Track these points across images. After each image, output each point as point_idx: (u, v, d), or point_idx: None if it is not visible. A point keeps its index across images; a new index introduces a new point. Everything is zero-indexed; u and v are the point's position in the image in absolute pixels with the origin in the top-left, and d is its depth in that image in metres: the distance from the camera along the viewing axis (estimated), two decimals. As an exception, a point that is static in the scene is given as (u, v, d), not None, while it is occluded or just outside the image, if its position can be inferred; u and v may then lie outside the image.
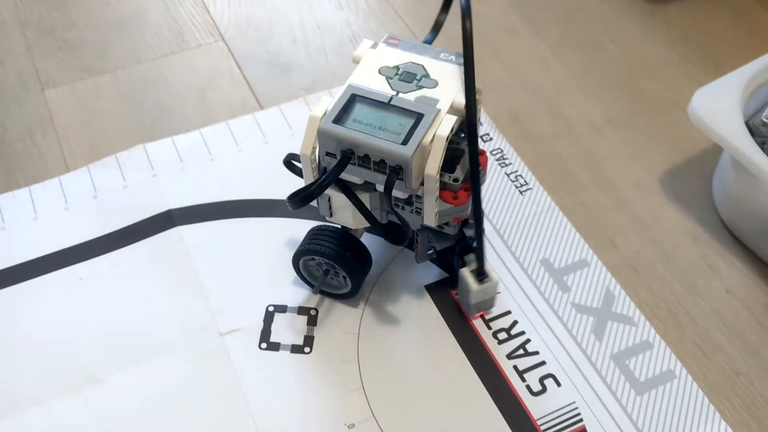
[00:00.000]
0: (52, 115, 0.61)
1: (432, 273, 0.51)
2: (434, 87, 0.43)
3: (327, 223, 0.47)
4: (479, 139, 0.48)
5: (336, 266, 0.47)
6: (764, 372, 0.47)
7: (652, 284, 0.51)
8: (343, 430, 0.44)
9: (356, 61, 0.45)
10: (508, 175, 0.56)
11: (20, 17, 0.69)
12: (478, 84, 0.42)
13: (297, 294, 0.50)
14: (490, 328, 0.48)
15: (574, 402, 0.45)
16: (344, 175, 0.42)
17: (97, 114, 0.61)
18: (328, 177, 0.41)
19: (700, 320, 0.49)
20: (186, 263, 0.51)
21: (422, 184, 0.41)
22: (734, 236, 0.53)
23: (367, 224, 0.43)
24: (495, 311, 0.49)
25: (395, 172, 0.40)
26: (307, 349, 0.47)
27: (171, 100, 0.62)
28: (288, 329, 0.48)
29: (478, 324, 0.48)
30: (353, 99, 0.42)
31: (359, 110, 0.42)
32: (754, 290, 0.50)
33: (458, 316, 0.48)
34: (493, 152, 0.58)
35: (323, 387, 0.46)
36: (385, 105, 0.42)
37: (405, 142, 0.40)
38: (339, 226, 0.48)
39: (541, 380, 0.46)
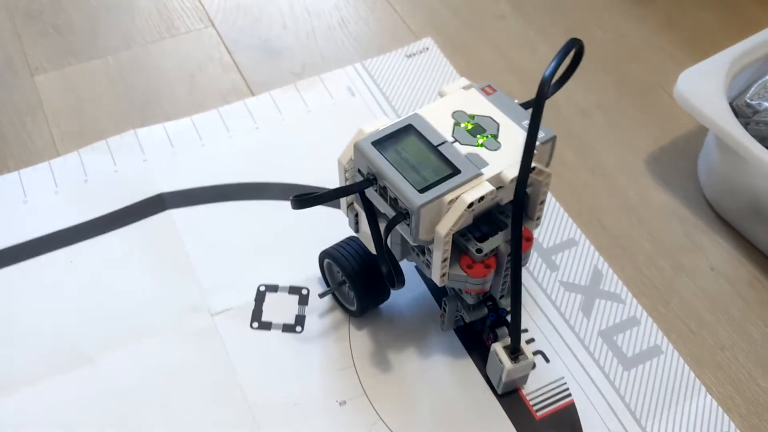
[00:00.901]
0: (42, 100, 0.61)
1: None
2: (495, 150, 0.40)
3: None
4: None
5: (348, 282, 0.46)
6: (748, 346, 0.47)
7: (638, 263, 0.51)
8: (335, 406, 0.44)
9: (441, 95, 0.43)
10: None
11: (8, 3, 0.68)
12: (555, 165, 0.41)
13: (288, 274, 0.50)
14: (479, 305, 0.49)
15: (563, 378, 0.46)
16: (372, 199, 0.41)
17: (86, 99, 0.61)
18: (337, 191, 0.40)
19: (686, 297, 0.50)
20: (177, 246, 0.51)
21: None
22: (718, 215, 0.54)
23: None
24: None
25: (404, 215, 0.38)
26: (298, 329, 0.47)
27: (161, 85, 0.62)
28: (279, 309, 0.48)
29: (467, 302, 0.49)
30: (407, 129, 0.41)
31: (407, 143, 0.40)
32: (738, 267, 0.51)
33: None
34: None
35: (315, 365, 0.46)
36: (433, 148, 0.40)
37: (423, 191, 0.38)
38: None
39: (532, 355, 0.47)
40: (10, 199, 0.54)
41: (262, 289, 0.49)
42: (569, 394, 0.45)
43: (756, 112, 0.51)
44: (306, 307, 0.48)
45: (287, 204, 0.53)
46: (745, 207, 0.51)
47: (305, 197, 0.39)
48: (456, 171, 0.39)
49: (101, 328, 0.47)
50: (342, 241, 0.46)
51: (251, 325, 0.47)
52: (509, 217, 0.40)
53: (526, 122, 0.41)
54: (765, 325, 0.48)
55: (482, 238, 0.40)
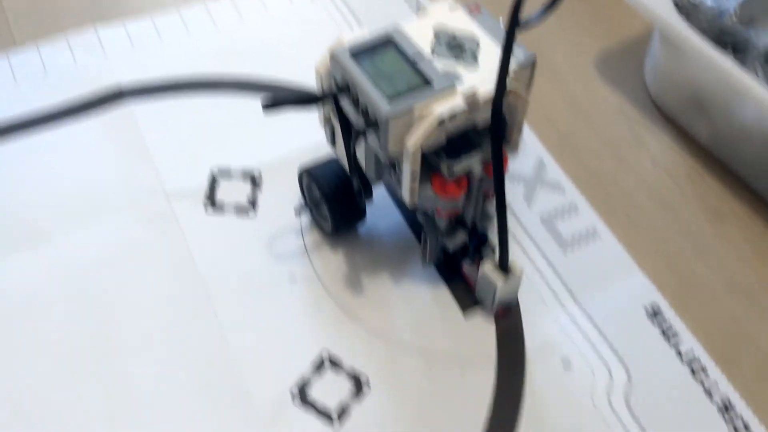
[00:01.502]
0: (1, -3, 0.61)
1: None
2: (472, 68, 0.39)
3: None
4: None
5: (322, 202, 0.46)
6: (682, 230, 0.49)
7: (583, 156, 0.53)
8: (286, 284, 0.46)
9: (424, 10, 0.43)
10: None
11: None
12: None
13: (242, 159, 0.51)
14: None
15: (504, 257, 0.48)
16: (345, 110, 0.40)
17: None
18: (307, 97, 0.39)
19: (626, 187, 0.51)
20: (135, 135, 0.52)
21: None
22: (662, 112, 0.55)
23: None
24: (432, 178, 0.51)
25: (373, 124, 0.38)
26: (251, 211, 0.49)
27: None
28: (233, 191, 0.49)
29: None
30: (386, 42, 0.40)
31: (384, 55, 0.40)
32: (677, 160, 0.53)
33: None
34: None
35: (267, 246, 0.47)
36: (410, 62, 0.39)
37: (392, 100, 0.37)
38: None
39: (474, 239, 0.49)
40: (-32, 90, 0.55)
41: (216, 172, 0.50)
42: (509, 272, 0.47)
43: (697, 9, 0.52)
44: (258, 190, 0.50)
45: (242, 98, 0.55)
46: (686, 101, 0.53)
47: (275, 101, 0.38)
48: (428, 83, 0.38)
49: (60, 209, 0.48)
50: (320, 162, 0.46)
51: (205, 208, 0.49)
52: (484, 139, 0.39)
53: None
54: (700, 212, 0.50)
55: (455, 159, 0.40)
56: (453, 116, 0.37)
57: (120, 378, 0.42)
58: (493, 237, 0.43)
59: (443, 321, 0.45)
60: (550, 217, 0.50)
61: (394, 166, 0.40)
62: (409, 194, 0.40)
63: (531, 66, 0.40)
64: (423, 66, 0.39)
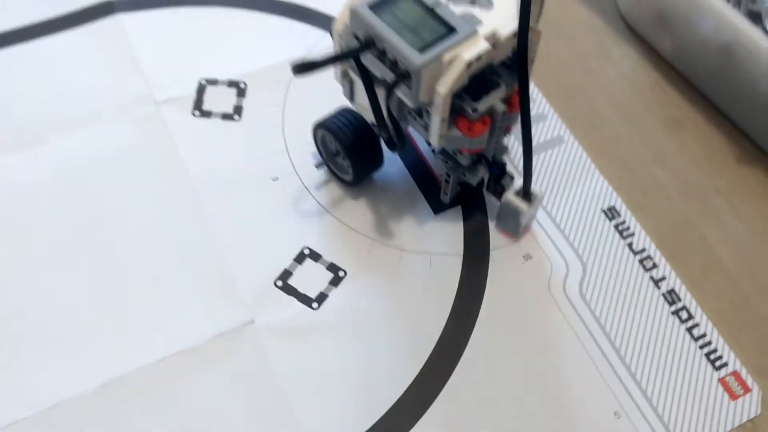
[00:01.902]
0: None
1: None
2: (488, 9, 0.40)
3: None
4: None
5: (343, 153, 0.47)
6: (642, 136, 0.52)
7: (553, 68, 0.55)
8: (268, 182, 0.49)
9: None
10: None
11: None
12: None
13: (229, 69, 0.53)
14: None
15: (474, 161, 0.51)
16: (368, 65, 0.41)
17: None
18: (337, 56, 0.40)
19: (592, 97, 0.54)
20: (125, 45, 0.54)
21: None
22: (630, 27, 0.58)
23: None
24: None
25: (404, 76, 0.39)
26: (236, 117, 0.52)
27: None
28: (219, 99, 0.52)
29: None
30: None
31: (403, 5, 0.40)
32: (641, 73, 0.56)
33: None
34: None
35: (251, 148, 0.50)
36: (429, 9, 0.40)
37: (422, 51, 0.38)
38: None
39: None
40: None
41: (203, 82, 0.53)
42: (478, 175, 0.50)
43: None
44: (243, 98, 0.52)
45: (229, 10, 0.57)
46: (652, 16, 0.55)
47: (305, 64, 0.39)
48: (453, 30, 0.39)
49: (53, 114, 0.51)
50: (333, 113, 0.47)
51: (192, 113, 0.51)
52: (501, 77, 0.41)
53: None
54: (660, 121, 0.53)
55: (476, 98, 0.41)
56: (479, 58, 0.39)
57: (112, 264, 0.45)
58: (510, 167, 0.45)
59: (416, 219, 0.48)
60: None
61: (420, 113, 0.42)
62: (437, 138, 0.42)
63: (540, 0, 0.41)
64: (443, 13, 0.40)
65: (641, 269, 0.47)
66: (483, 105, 0.41)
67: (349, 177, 0.49)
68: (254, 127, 0.51)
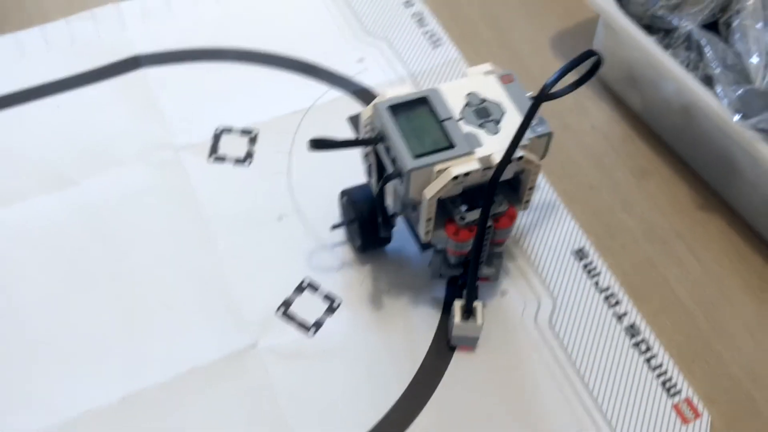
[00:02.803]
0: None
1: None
2: (493, 134, 0.44)
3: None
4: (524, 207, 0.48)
5: (355, 221, 0.50)
6: (612, 184, 0.57)
7: (533, 122, 0.61)
8: (274, 221, 0.54)
9: (465, 76, 0.47)
10: (425, 34, 0.66)
11: None
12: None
13: (242, 118, 0.59)
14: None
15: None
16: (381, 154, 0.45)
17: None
18: (351, 142, 0.45)
19: (567, 148, 0.59)
20: (148, 96, 0.60)
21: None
22: (604, 85, 0.63)
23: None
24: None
25: (399, 174, 0.43)
26: (247, 162, 0.57)
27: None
28: (233, 145, 0.58)
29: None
30: (421, 101, 0.45)
31: (418, 112, 0.44)
32: (614, 126, 0.61)
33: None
34: None
35: (259, 190, 0.56)
36: (438, 122, 0.44)
37: (417, 157, 0.42)
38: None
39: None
40: (8, 55, 0.63)
41: (219, 129, 0.59)
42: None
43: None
44: (254, 145, 0.58)
45: (243, 65, 0.63)
46: (623, 76, 0.61)
47: (321, 141, 0.43)
48: (451, 146, 0.43)
49: (82, 158, 0.57)
50: (363, 185, 0.51)
51: (208, 158, 0.57)
52: (498, 195, 0.45)
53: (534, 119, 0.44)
54: (629, 170, 0.58)
55: (470, 208, 0.45)
56: (467, 174, 0.42)
57: (132, 291, 0.51)
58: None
59: (406, 261, 0.53)
60: (501, 173, 0.58)
61: (414, 207, 0.46)
62: (424, 234, 0.45)
63: (546, 137, 0.45)
64: (449, 128, 0.44)
65: (606, 305, 0.52)
66: (471, 216, 0.45)
67: (357, 245, 0.52)
68: (263, 171, 0.57)
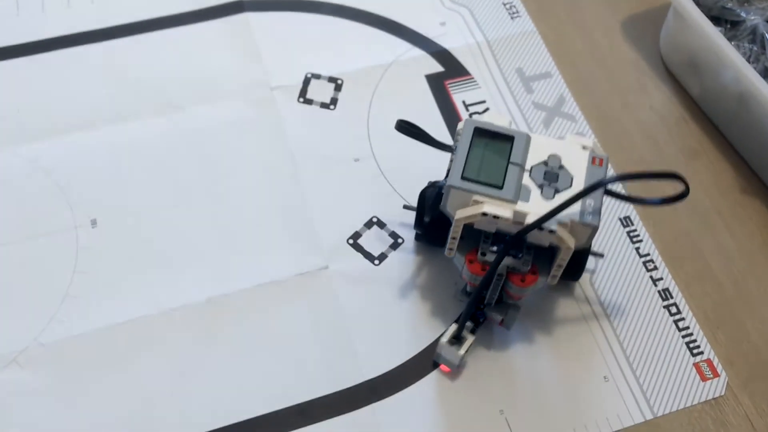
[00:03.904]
0: None
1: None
2: (546, 198, 0.44)
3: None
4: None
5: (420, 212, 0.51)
6: (662, 160, 0.61)
7: (595, 96, 0.64)
8: (351, 162, 0.59)
9: (565, 138, 0.47)
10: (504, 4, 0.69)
11: None
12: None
13: (330, 67, 0.64)
14: (468, 108, 0.62)
15: (519, 165, 0.60)
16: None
17: None
18: (428, 137, 0.50)
19: (624, 124, 0.62)
20: (249, 37, 0.65)
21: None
22: (667, 69, 0.66)
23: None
24: (472, 98, 0.63)
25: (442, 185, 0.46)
26: (332, 107, 0.62)
27: None
28: (320, 91, 0.62)
29: (458, 104, 0.62)
30: (507, 138, 0.46)
31: (498, 145, 0.45)
32: (671, 108, 0.64)
33: (441, 92, 0.63)
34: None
35: (340, 133, 0.60)
36: (507, 161, 0.44)
37: (464, 179, 0.44)
38: None
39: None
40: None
41: (309, 75, 0.63)
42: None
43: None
44: (339, 92, 0.62)
45: (337, 19, 0.67)
46: (686, 62, 0.63)
47: (407, 126, 0.48)
48: (499, 186, 0.44)
49: (188, 88, 0.62)
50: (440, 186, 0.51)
51: (298, 100, 0.62)
52: (524, 253, 0.45)
53: (590, 202, 0.44)
54: (679, 150, 0.61)
55: (490, 250, 0.46)
56: (497, 217, 0.43)
57: (224, 209, 0.56)
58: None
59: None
60: (561, 140, 0.61)
61: (449, 219, 0.47)
62: (447, 249, 0.47)
63: (590, 229, 0.44)
64: (511, 172, 0.44)
65: (644, 269, 0.55)
66: (490, 255, 0.46)
67: (420, 231, 0.53)
68: (345, 116, 0.61)
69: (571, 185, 0.44)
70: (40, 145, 0.58)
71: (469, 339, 0.49)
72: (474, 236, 0.46)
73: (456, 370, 0.50)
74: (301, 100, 0.62)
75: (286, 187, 0.58)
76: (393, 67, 0.64)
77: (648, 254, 0.56)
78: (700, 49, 0.61)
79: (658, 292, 0.54)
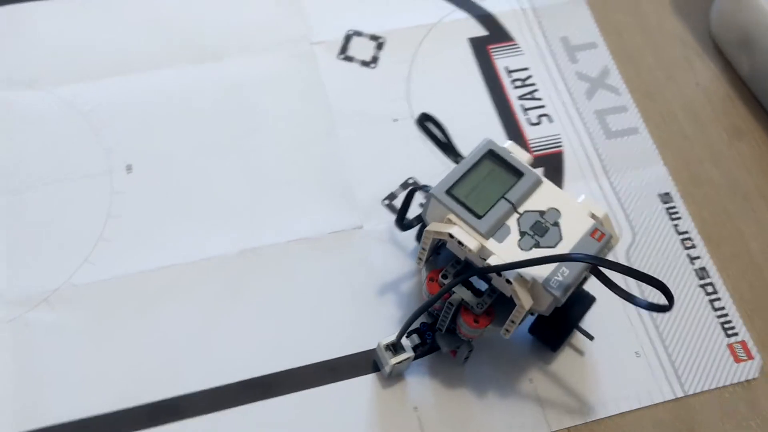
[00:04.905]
0: None
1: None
2: (523, 249, 0.41)
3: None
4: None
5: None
6: (704, 138, 0.58)
7: (640, 69, 0.61)
8: (389, 122, 0.57)
9: (578, 197, 0.44)
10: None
11: None
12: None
13: (372, 25, 0.61)
14: (510, 74, 0.60)
15: (559, 134, 0.58)
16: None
17: None
18: (446, 137, 0.52)
19: (669, 99, 0.60)
20: (291, -8, 0.63)
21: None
22: (716, 45, 0.63)
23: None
24: (515, 65, 0.60)
25: (427, 191, 0.44)
26: (372, 65, 0.60)
27: None
28: (361, 48, 0.60)
29: (500, 70, 0.60)
30: (516, 171, 0.43)
31: (502, 174, 0.43)
32: (718, 85, 0.61)
33: (484, 57, 0.60)
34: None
35: (380, 92, 0.58)
36: (502, 196, 0.42)
37: (448, 194, 0.42)
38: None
39: (539, 116, 0.58)
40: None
41: (351, 32, 0.61)
42: (561, 146, 0.57)
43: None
44: (381, 51, 0.60)
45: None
46: (735, 39, 0.60)
47: (428, 121, 0.48)
48: (479, 216, 0.41)
49: (227, 38, 0.60)
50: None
51: (338, 56, 0.60)
52: (485, 294, 0.43)
53: (566, 271, 0.40)
54: (723, 128, 0.59)
55: (455, 274, 0.44)
56: (461, 244, 0.41)
57: (259, 162, 0.54)
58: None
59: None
60: (603, 112, 0.59)
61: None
62: (417, 257, 0.46)
63: (552, 299, 0.40)
64: (499, 207, 0.41)
65: (681, 247, 0.53)
66: (448, 281, 0.43)
67: (400, 229, 0.50)
68: (385, 75, 0.59)
69: (554, 246, 0.41)
70: (76, 87, 0.56)
71: (406, 354, 0.45)
72: (448, 257, 0.44)
73: (388, 378, 0.47)
74: (342, 56, 0.60)
75: (323, 143, 0.56)
76: (436, 28, 0.62)
77: (686, 232, 0.54)
78: (753, 26, 0.58)
79: (695, 270, 0.52)
